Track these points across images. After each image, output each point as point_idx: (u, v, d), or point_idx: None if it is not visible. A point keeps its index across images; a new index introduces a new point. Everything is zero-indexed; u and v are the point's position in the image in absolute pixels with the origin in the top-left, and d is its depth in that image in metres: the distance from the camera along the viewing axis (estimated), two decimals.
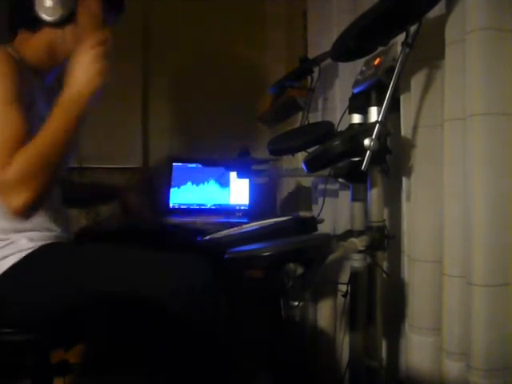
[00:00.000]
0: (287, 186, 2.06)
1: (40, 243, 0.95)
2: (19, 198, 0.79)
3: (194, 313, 0.87)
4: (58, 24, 0.99)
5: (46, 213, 0.99)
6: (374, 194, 0.93)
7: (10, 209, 0.80)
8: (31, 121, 0.88)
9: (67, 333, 0.98)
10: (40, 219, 0.97)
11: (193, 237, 1.06)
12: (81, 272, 0.91)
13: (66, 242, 1.03)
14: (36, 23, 1.00)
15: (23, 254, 0.92)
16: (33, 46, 1.01)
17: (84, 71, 0.89)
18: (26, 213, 0.81)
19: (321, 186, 1.46)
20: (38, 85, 1.02)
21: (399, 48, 0.84)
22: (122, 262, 0.92)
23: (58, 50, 1.03)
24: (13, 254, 0.91)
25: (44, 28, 1.00)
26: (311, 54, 1.46)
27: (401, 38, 0.84)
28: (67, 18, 0.99)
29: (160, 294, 0.86)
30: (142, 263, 0.92)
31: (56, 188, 1.04)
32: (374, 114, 0.91)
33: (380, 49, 0.93)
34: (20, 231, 0.94)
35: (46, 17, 0.98)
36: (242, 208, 2.04)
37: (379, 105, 0.90)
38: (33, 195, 0.80)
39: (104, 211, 1.58)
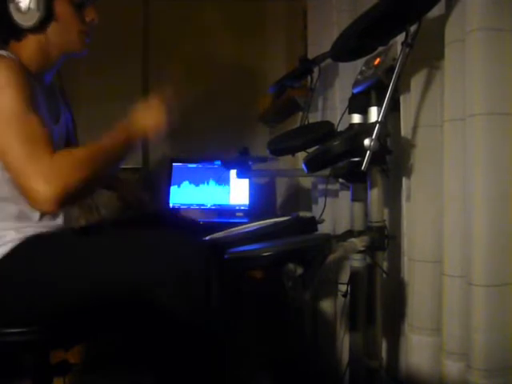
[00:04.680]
0: (287, 186, 2.06)
1: (27, 234, 0.92)
2: (51, 189, 0.81)
3: (191, 308, 0.85)
4: (40, 28, 0.98)
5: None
6: (374, 194, 0.93)
7: (38, 198, 0.82)
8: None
9: (57, 327, 0.95)
10: (27, 208, 0.95)
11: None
12: (69, 264, 0.89)
13: (54, 230, 1.00)
14: (19, 32, 0.99)
15: (10, 245, 0.90)
16: (25, 53, 1.00)
17: (150, 117, 1.04)
18: (52, 205, 0.82)
19: (321, 186, 1.46)
20: (39, 89, 1.01)
21: (399, 48, 0.84)
22: (114, 252, 0.88)
23: (50, 50, 1.03)
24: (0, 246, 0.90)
25: (28, 35, 0.99)
26: (311, 54, 1.46)
27: (401, 37, 0.84)
28: (46, 19, 0.98)
29: (156, 286, 0.84)
30: (135, 251, 0.88)
31: None
32: (373, 114, 0.91)
33: (380, 49, 0.93)
34: (5, 222, 0.93)
35: (25, 23, 0.97)
36: (242, 208, 2.04)
37: (379, 105, 0.90)
38: (63, 190, 0.82)
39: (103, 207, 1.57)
